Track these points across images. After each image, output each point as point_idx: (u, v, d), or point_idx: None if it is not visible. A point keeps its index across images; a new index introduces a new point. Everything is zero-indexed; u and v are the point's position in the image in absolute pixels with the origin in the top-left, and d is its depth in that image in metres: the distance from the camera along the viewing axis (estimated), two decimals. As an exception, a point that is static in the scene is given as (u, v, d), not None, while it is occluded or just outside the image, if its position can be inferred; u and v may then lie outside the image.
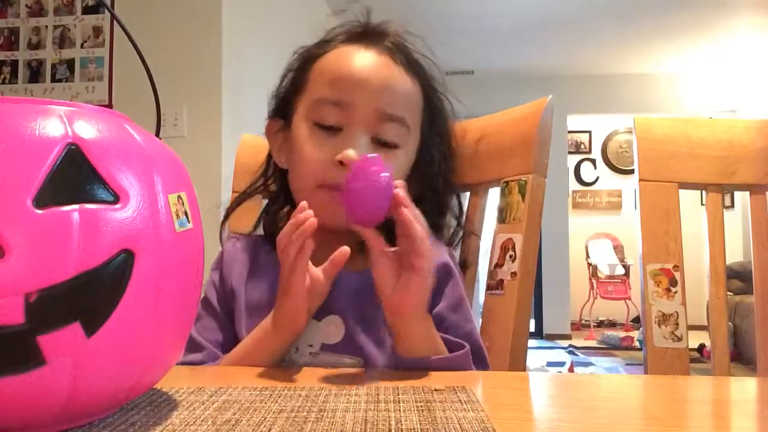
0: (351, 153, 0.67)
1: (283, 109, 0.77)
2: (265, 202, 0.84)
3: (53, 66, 2.43)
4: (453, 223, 0.83)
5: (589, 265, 6.06)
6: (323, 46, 0.75)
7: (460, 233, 0.83)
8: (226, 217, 0.82)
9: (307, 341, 0.69)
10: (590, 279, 6.04)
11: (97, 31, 2.42)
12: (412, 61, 0.74)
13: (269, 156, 0.82)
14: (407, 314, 0.62)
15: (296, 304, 0.63)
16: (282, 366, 0.69)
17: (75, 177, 0.36)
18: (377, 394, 0.48)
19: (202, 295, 0.77)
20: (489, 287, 0.81)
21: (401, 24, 0.76)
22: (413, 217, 0.58)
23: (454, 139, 0.81)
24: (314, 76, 0.73)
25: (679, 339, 0.83)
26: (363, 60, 0.71)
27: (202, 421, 0.41)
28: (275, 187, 0.82)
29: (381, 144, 0.70)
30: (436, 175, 0.77)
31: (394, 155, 0.71)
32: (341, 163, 0.67)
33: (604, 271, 5.99)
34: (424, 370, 0.59)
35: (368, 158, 0.58)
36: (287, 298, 0.63)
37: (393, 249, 0.60)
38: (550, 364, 4.55)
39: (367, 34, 0.74)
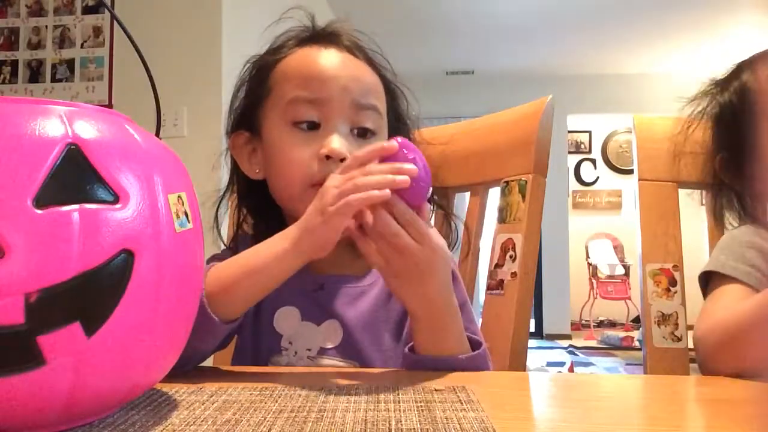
0: (336, 144, 0.67)
1: (245, 121, 0.76)
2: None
3: (53, 66, 2.43)
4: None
5: (589, 265, 6.06)
6: (277, 52, 0.75)
7: (458, 234, 0.83)
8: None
9: (306, 345, 0.69)
10: (590, 279, 6.04)
11: (97, 31, 2.42)
12: (369, 55, 0.76)
13: (233, 173, 0.79)
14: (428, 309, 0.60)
15: (330, 235, 0.57)
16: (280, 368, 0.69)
17: (75, 177, 0.36)
18: (377, 394, 0.48)
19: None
20: (489, 287, 0.81)
21: (349, 22, 0.77)
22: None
23: (416, 129, 0.81)
24: (279, 81, 0.72)
25: (679, 339, 0.83)
26: (329, 57, 0.72)
27: (202, 421, 0.41)
28: (246, 203, 0.79)
29: (360, 134, 0.71)
30: None
31: (374, 142, 0.72)
32: (327, 157, 0.67)
33: (604, 271, 5.98)
34: (447, 369, 0.59)
35: (401, 142, 0.57)
36: (324, 226, 0.56)
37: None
38: (550, 364, 4.55)
39: (321, 36, 0.75)
